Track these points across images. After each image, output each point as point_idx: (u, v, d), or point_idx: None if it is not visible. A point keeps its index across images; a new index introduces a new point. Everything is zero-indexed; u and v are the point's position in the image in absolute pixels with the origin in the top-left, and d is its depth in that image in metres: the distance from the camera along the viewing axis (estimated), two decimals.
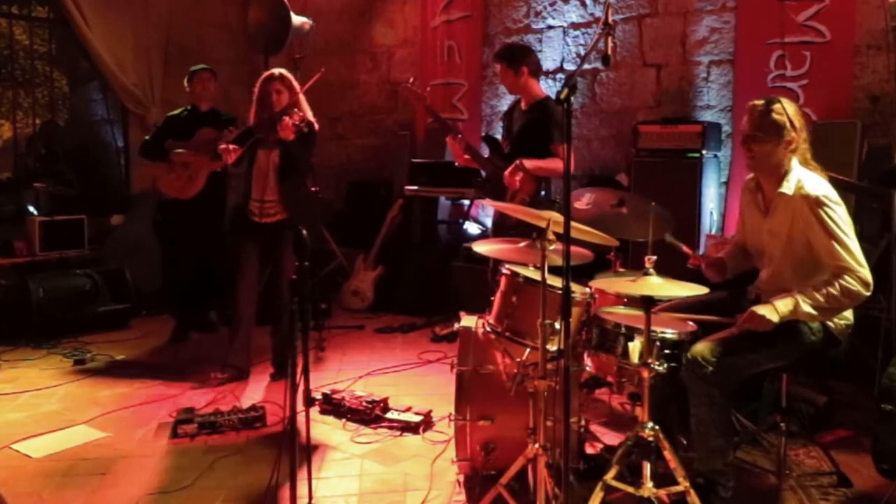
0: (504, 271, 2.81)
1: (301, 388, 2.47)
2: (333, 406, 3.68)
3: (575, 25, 5.66)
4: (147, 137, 5.09)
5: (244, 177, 4.24)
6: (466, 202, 6.00)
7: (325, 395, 3.75)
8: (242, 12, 6.61)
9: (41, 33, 6.90)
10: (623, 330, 2.62)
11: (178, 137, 4.85)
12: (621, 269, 3.32)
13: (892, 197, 3.39)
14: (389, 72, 6.89)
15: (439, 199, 6.07)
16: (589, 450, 3.14)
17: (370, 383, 4.18)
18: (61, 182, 6.24)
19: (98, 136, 6.95)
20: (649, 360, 2.42)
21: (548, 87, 5.56)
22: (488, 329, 2.78)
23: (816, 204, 2.59)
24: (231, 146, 4.06)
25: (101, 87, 6.79)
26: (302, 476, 2.56)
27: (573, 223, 2.24)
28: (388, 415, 3.56)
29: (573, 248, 2.20)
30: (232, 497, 2.88)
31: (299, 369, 2.47)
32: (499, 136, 4.42)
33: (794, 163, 2.70)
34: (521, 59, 4.00)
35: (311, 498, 2.67)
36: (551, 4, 5.76)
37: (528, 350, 2.61)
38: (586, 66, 5.46)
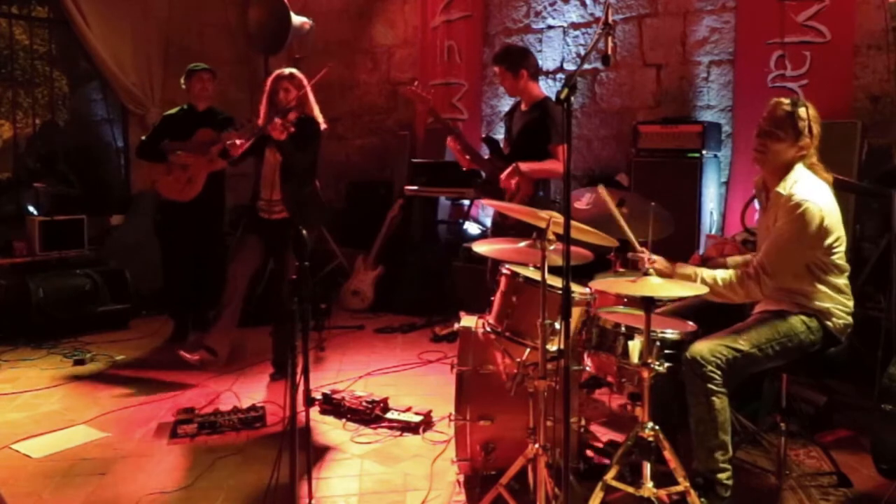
0: (504, 271, 2.81)
1: (301, 388, 2.47)
2: (333, 406, 3.68)
3: (575, 25, 5.66)
4: (143, 138, 5.06)
5: (253, 176, 4.25)
6: (466, 202, 6.00)
7: (325, 395, 3.75)
8: (242, 12, 6.60)
9: (41, 33, 6.88)
10: (623, 330, 2.62)
11: (176, 137, 4.84)
12: (621, 270, 3.31)
13: (892, 197, 3.39)
14: (389, 72, 6.89)
15: (439, 199, 6.07)
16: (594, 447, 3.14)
17: (370, 383, 4.18)
18: (61, 182, 6.24)
19: (98, 136, 6.94)
20: (649, 360, 2.42)
21: (548, 88, 5.56)
22: (488, 329, 2.77)
23: (787, 202, 2.62)
24: (238, 140, 4.08)
25: (101, 87, 6.78)
26: (302, 476, 2.56)
27: (573, 223, 2.24)
28: (388, 415, 3.56)
29: (573, 248, 2.20)
30: (232, 497, 2.88)
31: (299, 369, 2.46)
32: (500, 137, 4.42)
33: (799, 166, 2.71)
34: (519, 63, 3.98)
35: (311, 498, 2.68)
36: (551, 4, 5.76)
37: (528, 350, 2.60)
38: (586, 66, 5.46)
